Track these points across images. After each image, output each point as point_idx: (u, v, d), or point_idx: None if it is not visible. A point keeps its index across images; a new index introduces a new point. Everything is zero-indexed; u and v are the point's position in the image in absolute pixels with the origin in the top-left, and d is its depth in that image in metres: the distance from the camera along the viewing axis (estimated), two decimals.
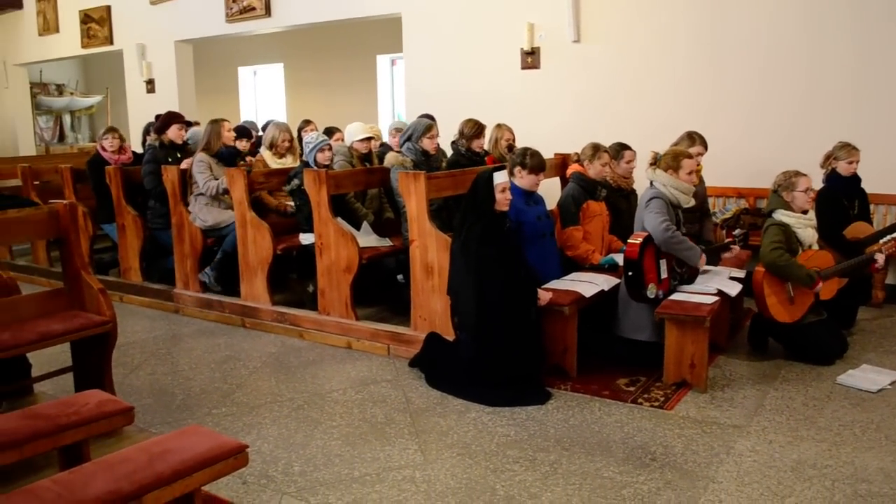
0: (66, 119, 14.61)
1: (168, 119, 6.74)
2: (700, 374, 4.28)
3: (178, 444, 2.50)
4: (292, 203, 6.19)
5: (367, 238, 5.69)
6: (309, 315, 5.56)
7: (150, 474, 2.33)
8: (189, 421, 4.03)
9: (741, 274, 5.03)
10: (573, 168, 5.52)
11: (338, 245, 5.30)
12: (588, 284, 4.72)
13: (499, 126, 6.35)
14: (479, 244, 4.28)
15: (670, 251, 4.57)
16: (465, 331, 4.47)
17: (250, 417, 4.09)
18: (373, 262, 5.58)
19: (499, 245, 4.33)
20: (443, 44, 8.06)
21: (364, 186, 6.07)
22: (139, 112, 10.70)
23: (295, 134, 7.19)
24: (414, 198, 4.87)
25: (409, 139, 5.76)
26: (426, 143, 5.73)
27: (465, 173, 5.19)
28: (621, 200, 5.67)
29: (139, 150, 7.86)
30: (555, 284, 4.73)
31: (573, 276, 4.95)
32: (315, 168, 5.57)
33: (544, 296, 4.43)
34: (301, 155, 6.53)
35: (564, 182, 6.22)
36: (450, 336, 4.72)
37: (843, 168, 5.38)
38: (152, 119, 7.72)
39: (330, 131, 7.08)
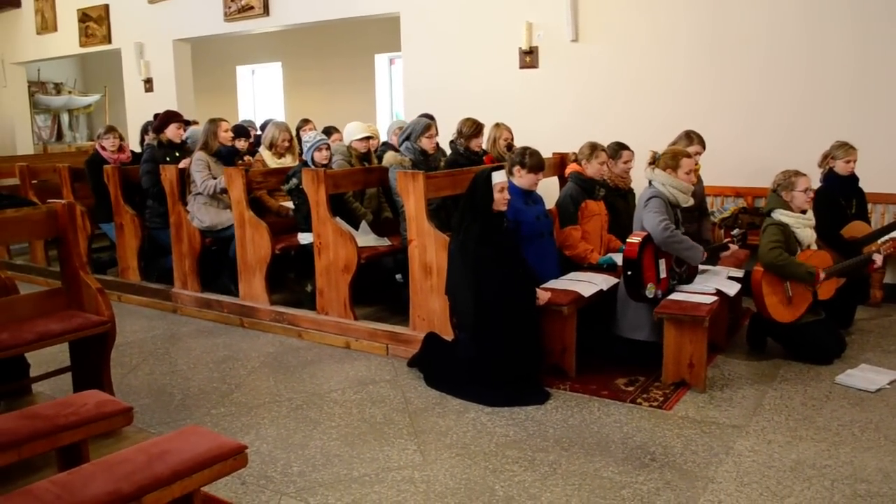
0: (64, 118, 14.58)
1: (166, 118, 6.72)
2: (699, 373, 4.28)
3: (178, 444, 2.50)
4: (291, 205, 6.19)
5: (366, 238, 5.69)
6: (307, 315, 5.55)
7: (150, 475, 2.32)
8: (188, 421, 4.02)
9: (740, 273, 5.03)
10: (571, 168, 5.52)
11: (336, 245, 5.29)
12: (587, 284, 4.72)
13: (497, 125, 6.36)
14: (478, 244, 4.28)
15: (670, 251, 4.57)
16: (463, 330, 4.47)
17: (249, 417, 4.09)
18: (371, 261, 5.57)
19: (497, 244, 4.33)
20: (441, 43, 8.05)
21: (362, 186, 6.06)
22: (137, 111, 10.68)
23: (293, 133, 7.18)
24: (412, 197, 4.87)
25: (407, 138, 5.76)
26: (425, 143, 5.72)
27: (464, 173, 5.19)
28: (619, 200, 5.67)
29: (137, 149, 7.85)
30: (553, 284, 4.73)
31: (572, 275, 4.95)
32: (313, 167, 5.56)
33: (543, 295, 4.43)
34: (300, 154, 6.52)
35: (563, 181, 6.21)
36: (448, 336, 4.72)
37: (840, 167, 5.38)
38: (150, 118, 7.70)
39: (328, 131, 7.07)
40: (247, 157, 6.71)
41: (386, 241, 5.82)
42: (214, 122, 6.27)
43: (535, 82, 7.55)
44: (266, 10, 9.28)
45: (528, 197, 4.94)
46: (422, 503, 3.14)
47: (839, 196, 5.39)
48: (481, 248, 4.27)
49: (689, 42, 6.75)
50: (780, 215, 4.75)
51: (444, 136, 6.20)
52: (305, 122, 7.79)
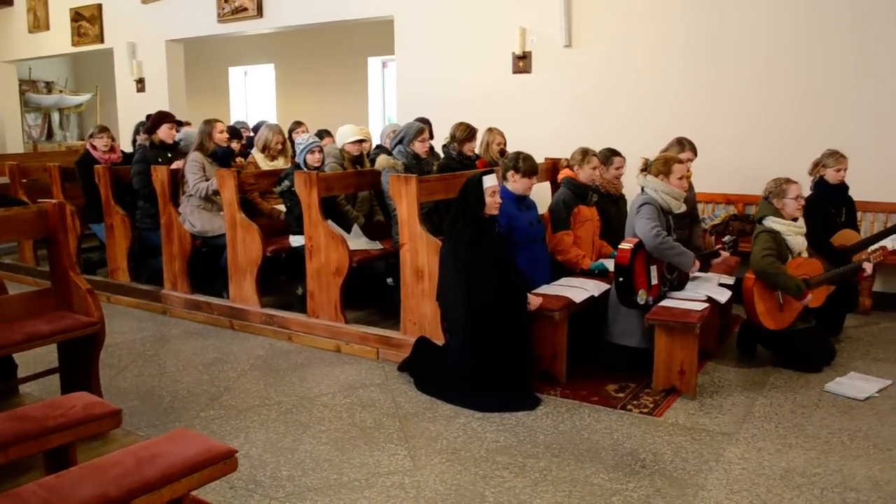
0: (55, 117, 14.50)
1: (158, 119, 6.69)
2: (689, 380, 4.29)
3: (167, 448, 2.48)
4: (283, 209, 6.17)
5: (358, 241, 5.68)
6: (298, 318, 5.53)
7: (138, 479, 2.30)
8: (176, 424, 4.00)
9: (730, 280, 5.05)
10: (564, 173, 5.52)
11: (328, 247, 5.28)
12: (578, 290, 4.72)
13: (490, 130, 6.36)
14: (469, 248, 4.28)
15: (662, 257, 4.58)
16: (454, 335, 4.46)
17: (238, 421, 4.07)
18: (363, 265, 5.56)
19: (488, 249, 4.32)
20: (435, 47, 8.05)
21: (355, 189, 6.05)
22: (129, 111, 10.65)
23: (286, 135, 7.16)
24: (405, 201, 4.86)
25: (400, 142, 5.76)
26: (417, 147, 5.72)
27: (457, 177, 5.19)
28: (610, 205, 5.68)
29: (129, 149, 7.82)
30: (545, 290, 4.73)
31: (563, 281, 4.96)
32: (306, 170, 5.55)
33: (534, 301, 4.43)
34: (293, 157, 6.51)
35: (555, 187, 6.22)
36: (439, 340, 4.71)
37: (831, 176, 5.41)
38: (143, 119, 7.67)
39: (321, 135, 7.05)
40: (238, 159, 6.69)
41: (378, 245, 5.81)
42: (209, 123, 6.25)
43: (529, 87, 7.56)
44: (260, 12, 9.27)
45: (521, 202, 4.94)
46: None
47: (829, 204, 5.41)
48: (473, 253, 4.27)
49: (682, 49, 6.77)
50: (771, 223, 4.76)
51: (438, 140, 6.20)
52: (298, 124, 7.79)
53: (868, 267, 4.92)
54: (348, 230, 5.70)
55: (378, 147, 6.74)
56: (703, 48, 6.68)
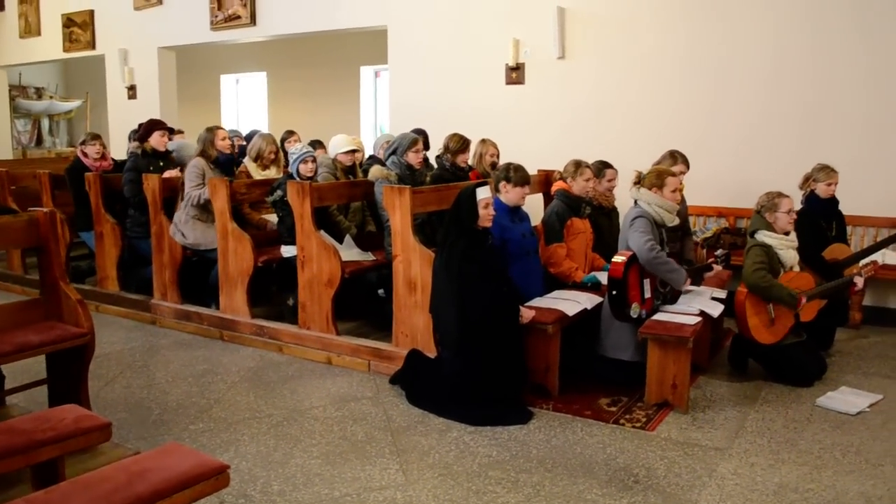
0: (45, 123, 14.42)
1: (150, 126, 6.65)
2: (682, 394, 4.28)
3: (159, 463, 2.45)
4: (272, 219, 6.14)
5: (350, 252, 5.66)
6: (289, 329, 5.50)
7: (130, 495, 2.27)
8: (165, 437, 3.96)
9: (723, 294, 5.05)
10: (557, 185, 5.52)
11: (320, 258, 5.26)
12: (571, 303, 4.71)
13: (483, 141, 6.37)
14: (462, 260, 4.26)
15: (654, 272, 4.58)
16: (446, 348, 4.44)
17: (228, 434, 4.03)
18: (355, 276, 5.53)
19: (481, 262, 4.31)
20: (428, 57, 8.06)
21: (347, 199, 6.04)
22: (120, 118, 10.60)
23: (279, 145, 7.13)
24: (398, 212, 4.85)
25: (394, 153, 5.75)
26: (411, 158, 5.72)
27: (450, 188, 5.18)
28: (602, 218, 5.69)
29: (121, 156, 7.76)
30: (537, 302, 4.72)
31: (556, 293, 4.95)
32: (298, 180, 5.53)
33: (527, 314, 4.41)
34: (285, 166, 6.48)
35: (548, 199, 6.23)
36: (432, 353, 4.69)
37: (822, 190, 5.43)
38: (136, 127, 7.62)
39: (313, 145, 7.03)
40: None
41: (370, 256, 5.78)
42: (211, 131, 6.22)
43: (522, 98, 7.57)
44: (253, 20, 9.25)
45: (514, 214, 4.94)
46: None
47: (820, 218, 5.44)
48: (466, 265, 4.26)
49: (675, 63, 6.80)
50: (763, 236, 4.77)
51: (431, 151, 6.19)
52: (290, 133, 7.77)
53: (860, 281, 4.95)
54: (340, 241, 5.68)
55: (371, 157, 6.73)
56: (695, 62, 6.71)
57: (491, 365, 4.21)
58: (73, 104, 14.40)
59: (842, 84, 6.16)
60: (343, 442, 3.92)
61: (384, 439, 3.95)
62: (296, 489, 3.40)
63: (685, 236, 5.78)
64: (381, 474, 3.55)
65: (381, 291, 6.11)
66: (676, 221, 4.89)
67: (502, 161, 6.05)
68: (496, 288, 4.31)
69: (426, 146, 6.56)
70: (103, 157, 7.09)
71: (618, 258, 4.50)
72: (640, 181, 4.81)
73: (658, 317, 4.52)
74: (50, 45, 11.50)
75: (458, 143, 5.98)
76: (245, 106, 13.55)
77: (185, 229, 6.06)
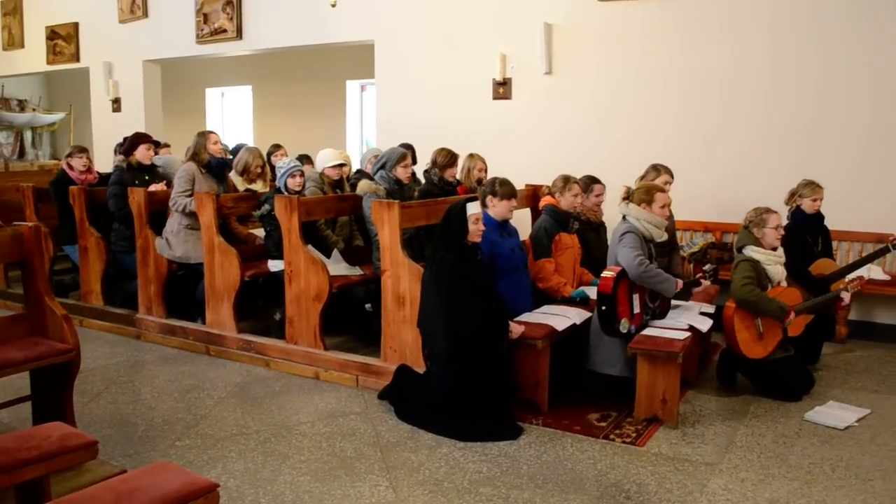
0: (28, 135, 14.29)
1: (136, 140, 6.60)
2: (671, 409, 4.28)
3: (147, 482, 2.41)
4: (259, 234, 6.11)
5: (338, 266, 5.63)
6: (276, 344, 5.45)
7: None
8: (152, 453, 3.91)
9: (711, 309, 5.07)
10: (546, 200, 5.53)
11: (308, 273, 5.22)
12: (560, 318, 4.71)
13: (471, 156, 6.35)
14: (451, 275, 4.25)
15: (645, 285, 4.58)
16: (436, 363, 4.42)
17: (215, 450, 3.98)
18: (342, 290, 5.50)
19: (471, 277, 4.30)
20: (415, 72, 8.07)
21: (335, 213, 6.01)
22: (104, 131, 10.53)
23: (265, 159, 7.09)
24: (387, 227, 4.83)
25: (382, 167, 5.74)
26: (400, 172, 5.71)
27: (438, 203, 5.18)
28: (590, 233, 5.70)
29: (106, 170, 7.70)
30: (527, 317, 4.71)
31: (545, 308, 4.94)
32: (286, 194, 5.50)
33: (516, 329, 4.40)
34: (272, 180, 6.45)
35: (536, 214, 6.23)
36: (420, 368, 4.66)
37: (807, 205, 5.47)
38: (120, 140, 7.57)
39: (301, 160, 7.00)
40: None
41: (358, 271, 5.76)
42: (204, 135, 6.18)
43: (509, 113, 7.59)
44: (239, 34, 9.24)
45: (503, 229, 4.94)
46: None
47: (806, 233, 5.48)
48: (455, 280, 4.24)
49: (661, 78, 6.85)
50: (751, 252, 4.80)
51: (418, 166, 6.19)
52: (277, 147, 7.74)
53: (846, 296, 4.98)
54: (328, 255, 5.65)
55: (358, 171, 6.71)
56: (680, 77, 6.76)
57: (480, 380, 4.19)
58: (57, 116, 14.28)
59: (828, 101, 6.22)
60: (332, 458, 3.88)
61: (373, 455, 3.91)
62: None
63: (672, 251, 5.80)
64: (371, 491, 3.51)
65: (368, 306, 6.08)
66: (665, 237, 4.90)
67: (490, 176, 6.05)
68: (486, 303, 4.30)
69: (413, 161, 6.55)
70: (89, 170, 7.03)
71: (607, 273, 4.50)
72: (629, 196, 4.82)
73: (647, 332, 4.53)
74: (34, 57, 11.43)
75: (446, 158, 5.98)
76: (230, 120, 13.49)
77: (175, 241, 5.98)
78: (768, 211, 4.83)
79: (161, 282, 6.11)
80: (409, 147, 6.48)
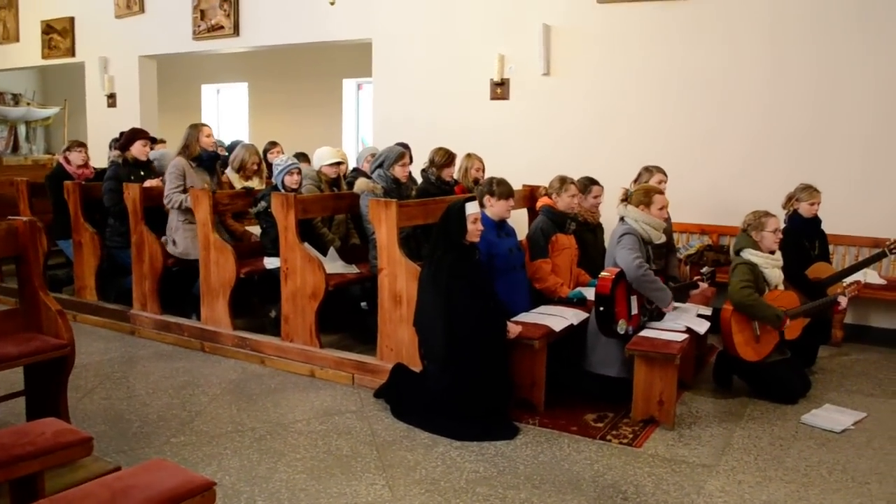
0: (22, 130, 14.23)
1: (132, 135, 6.56)
2: (668, 411, 4.27)
3: (143, 479, 2.38)
4: (255, 231, 6.08)
5: (334, 264, 5.61)
6: (272, 341, 5.43)
7: None
8: (146, 450, 3.88)
9: (708, 311, 5.07)
10: (543, 201, 5.52)
11: (304, 271, 5.20)
12: (558, 318, 4.70)
13: (469, 155, 6.35)
14: (449, 275, 4.24)
15: (641, 289, 4.57)
16: (432, 362, 4.40)
17: (210, 448, 3.95)
18: (338, 289, 5.48)
19: (469, 276, 4.29)
20: (413, 71, 8.05)
21: (332, 212, 5.99)
22: (99, 126, 10.48)
23: (261, 156, 7.07)
24: (384, 226, 4.81)
25: (380, 166, 5.72)
26: (397, 171, 5.69)
27: (436, 202, 5.16)
28: (588, 234, 5.70)
29: (100, 165, 7.67)
30: (524, 318, 4.70)
31: (542, 309, 4.93)
32: (283, 191, 5.48)
33: (513, 329, 4.39)
34: (269, 177, 6.43)
35: (533, 214, 6.22)
36: (417, 367, 4.65)
37: (804, 209, 5.48)
38: (116, 135, 7.53)
39: (298, 158, 6.98)
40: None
41: (354, 269, 5.74)
42: (196, 128, 6.14)
43: (506, 114, 7.58)
44: (236, 31, 9.21)
45: (500, 229, 4.93)
46: None
47: (803, 237, 5.48)
48: (454, 280, 4.23)
49: (659, 80, 6.85)
50: (749, 255, 4.79)
51: (414, 165, 6.17)
52: (273, 144, 7.72)
53: (843, 301, 4.98)
54: (324, 253, 5.63)
55: (355, 170, 6.69)
56: (678, 79, 6.76)
57: (477, 379, 4.18)
58: (51, 111, 14.23)
59: (827, 105, 6.23)
60: (328, 456, 3.86)
61: (369, 454, 3.89)
62: None
63: (670, 253, 5.79)
64: (368, 490, 3.49)
65: (363, 304, 6.06)
66: (663, 239, 4.90)
67: (487, 176, 6.03)
68: (483, 303, 4.29)
69: (409, 160, 6.52)
70: (86, 165, 7.00)
71: (605, 274, 4.49)
72: (627, 198, 4.82)
73: (645, 333, 4.52)
74: (29, 51, 11.38)
75: (444, 157, 5.96)
76: (226, 116, 13.45)
77: (176, 237, 5.97)
78: (767, 214, 4.82)
79: (156, 278, 6.07)
80: (405, 146, 6.46)
